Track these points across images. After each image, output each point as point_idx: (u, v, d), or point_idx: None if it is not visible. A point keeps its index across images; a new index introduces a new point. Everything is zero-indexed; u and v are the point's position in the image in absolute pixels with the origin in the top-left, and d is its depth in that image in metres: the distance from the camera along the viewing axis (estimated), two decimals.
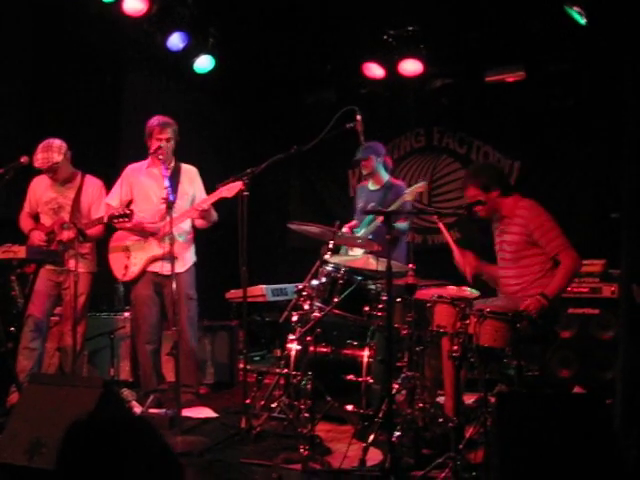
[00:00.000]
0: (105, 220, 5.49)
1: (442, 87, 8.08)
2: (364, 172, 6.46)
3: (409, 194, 5.98)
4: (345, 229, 6.22)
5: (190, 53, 7.37)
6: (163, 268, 5.34)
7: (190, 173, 5.87)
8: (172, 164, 5.73)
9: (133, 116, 7.37)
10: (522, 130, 7.81)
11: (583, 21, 6.26)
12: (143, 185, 5.80)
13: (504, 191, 4.83)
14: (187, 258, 5.80)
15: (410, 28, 7.33)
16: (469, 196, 4.91)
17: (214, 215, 5.77)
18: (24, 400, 3.95)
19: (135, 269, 5.69)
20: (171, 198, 4.95)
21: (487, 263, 5.06)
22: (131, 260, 5.71)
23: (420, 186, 6.10)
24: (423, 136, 8.62)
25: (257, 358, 7.68)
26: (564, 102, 7.53)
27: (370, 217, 6.16)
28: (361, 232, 6.11)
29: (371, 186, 6.51)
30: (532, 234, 4.67)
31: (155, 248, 5.63)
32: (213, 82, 7.88)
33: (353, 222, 6.46)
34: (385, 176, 6.44)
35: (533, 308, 4.41)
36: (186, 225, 5.75)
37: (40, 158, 5.54)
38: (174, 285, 4.88)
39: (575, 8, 6.24)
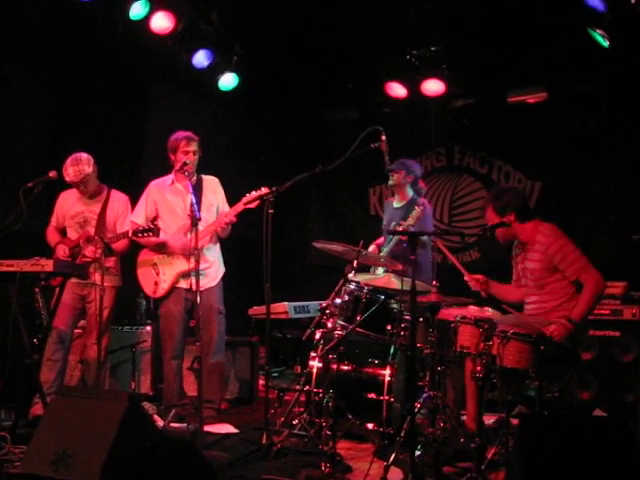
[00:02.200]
0: (130, 234, 5.56)
1: (464, 107, 8.14)
2: (390, 182, 6.45)
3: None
4: (372, 246, 6.28)
5: (215, 70, 7.49)
6: (194, 284, 5.39)
7: (212, 184, 5.96)
8: (195, 177, 5.81)
9: (158, 132, 7.44)
10: (543, 151, 7.84)
11: (606, 43, 6.30)
12: (168, 201, 5.87)
13: (521, 217, 4.82)
14: (217, 271, 5.90)
15: (433, 48, 7.41)
16: (487, 218, 4.95)
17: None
18: (51, 412, 3.98)
19: (165, 285, 5.75)
20: (197, 215, 5.02)
21: (496, 282, 5.08)
22: (160, 277, 5.77)
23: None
24: (444, 155, 8.67)
25: (275, 374, 7.71)
26: (586, 124, 7.56)
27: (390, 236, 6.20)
28: (385, 250, 6.13)
29: (395, 203, 6.54)
30: (552, 259, 4.67)
31: (183, 263, 5.68)
32: (237, 99, 7.98)
33: (380, 239, 6.53)
34: (410, 193, 6.47)
35: (559, 334, 4.42)
36: (210, 237, 5.81)
37: (72, 172, 5.62)
38: (200, 300, 4.95)
39: (598, 31, 6.28)
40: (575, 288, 4.70)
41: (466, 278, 5.03)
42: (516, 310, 4.86)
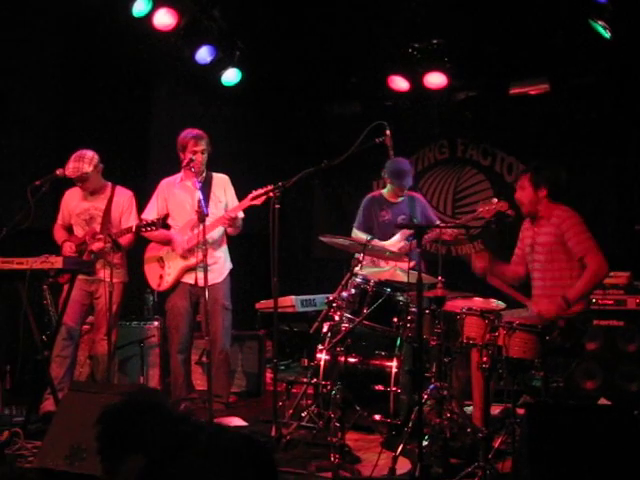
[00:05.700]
0: (134, 229, 5.61)
1: (466, 99, 8.15)
2: (404, 191, 6.49)
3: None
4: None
5: (217, 66, 7.52)
6: (199, 279, 5.43)
7: (222, 181, 6.01)
8: (204, 174, 5.87)
9: (162, 128, 7.50)
10: (546, 142, 7.85)
11: (608, 35, 6.32)
12: (177, 198, 5.93)
13: (553, 195, 4.90)
14: (222, 267, 5.96)
15: (435, 41, 7.44)
16: (519, 185, 5.00)
17: (241, 222, 5.88)
18: (64, 407, 4.05)
19: (169, 279, 5.82)
20: (204, 211, 5.07)
21: (500, 262, 5.15)
22: (165, 270, 5.85)
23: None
24: (447, 148, 8.69)
25: (282, 367, 7.75)
26: (588, 115, 7.57)
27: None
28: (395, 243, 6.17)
29: (390, 198, 6.54)
30: (564, 234, 4.72)
31: (189, 258, 5.74)
32: (240, 95, 8.00)
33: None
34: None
35: (548, 311, 4.51)
36: (218, 234, 5.87)
37: (71, 167, 5.65)
38: (207, 295, 5.00)
39: (600, 22, 6.30)
40: (579, 272, 4.74)
41: (473, 256, 5.10)
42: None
